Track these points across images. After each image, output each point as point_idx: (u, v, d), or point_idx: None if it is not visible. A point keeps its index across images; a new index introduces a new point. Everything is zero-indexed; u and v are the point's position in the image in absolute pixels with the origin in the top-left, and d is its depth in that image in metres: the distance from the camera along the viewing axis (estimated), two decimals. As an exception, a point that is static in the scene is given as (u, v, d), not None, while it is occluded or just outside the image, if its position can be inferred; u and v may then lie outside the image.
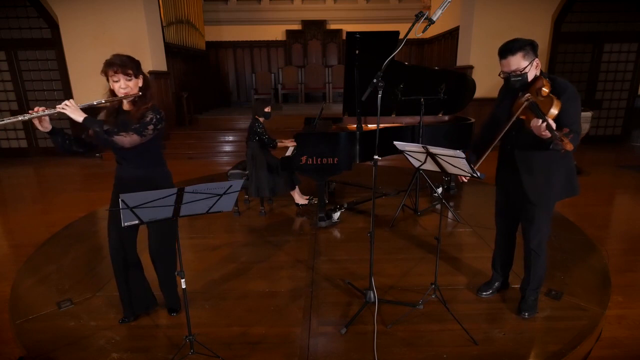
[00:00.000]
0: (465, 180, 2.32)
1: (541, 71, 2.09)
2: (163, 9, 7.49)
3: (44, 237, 3.76)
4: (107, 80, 2.06)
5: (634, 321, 2.47)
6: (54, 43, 7.04)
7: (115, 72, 2.00)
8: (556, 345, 2.14)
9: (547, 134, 1.81)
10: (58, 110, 1.91)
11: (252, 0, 10.33)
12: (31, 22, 7.05)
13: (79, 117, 1.92)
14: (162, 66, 7.37)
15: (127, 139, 2.01)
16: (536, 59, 2.04)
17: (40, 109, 1.91)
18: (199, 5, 9.39)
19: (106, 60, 2.03)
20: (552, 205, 2.25)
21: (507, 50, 2.04)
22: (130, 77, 2.04)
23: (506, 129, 2.06)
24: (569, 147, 1.74)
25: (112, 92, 2.09)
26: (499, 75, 2.13)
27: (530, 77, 2.05)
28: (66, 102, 1.92)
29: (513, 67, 2.04)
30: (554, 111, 1.87)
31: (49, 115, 1.93)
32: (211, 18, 10.11)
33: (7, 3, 6.89)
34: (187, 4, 8.62)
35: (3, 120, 1.86)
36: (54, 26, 6.94)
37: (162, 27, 7.46)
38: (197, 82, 9.34)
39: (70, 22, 6.84)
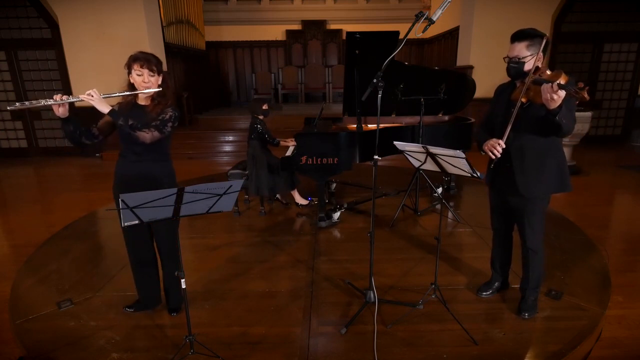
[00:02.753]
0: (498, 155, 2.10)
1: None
2: (163, 9, 7.49)
3: (44, 237, 3.76)
4: (129, 74, 2.13)
5: (634, 321, 2.47)
6: (54, 43, 7.04)
7: (141, 67, 2.08)
8: (556, 345, 2.14)
9: (560, 95, 1.78)
10: (82, 98, 1.93)
11: (252, 0, 10.33)
12: (31, 22, 7.05)
13: (105, 108, 1.96)
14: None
15: (148, 135, 2.06)
16: (540, 54, 2.06)
17: (64, 96, 1.92)
18: (199, 5, 9.39)
19: (132, 55, 2.11)
20: (545, 200, 2.25)
21: (516, 36, 2.09)
22: (154, 73, 2.12)
23: (514, 115, 2.04)
24: (587, 96, 1.72)
25: (132, 87, 2.14)
26: (504, 59, 2.16)
27: (527, 67, 2.07)
28: (90, 91, 1.93)
29: (515, 53, 2.08)
30: (562, 81, 1.83)
31: (72, 102, 1.94)
32: (211, 18, 10.11)
33: (7, 3, 6.89)
34: (187, 4, 8.62)
35: (25, 104, 1.87)
36: (54, 26, 6.94)
37: (162, 27, 7.46)
38: (197, 82, 9.33)
39: (70, 22, 6.84)
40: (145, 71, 2.09)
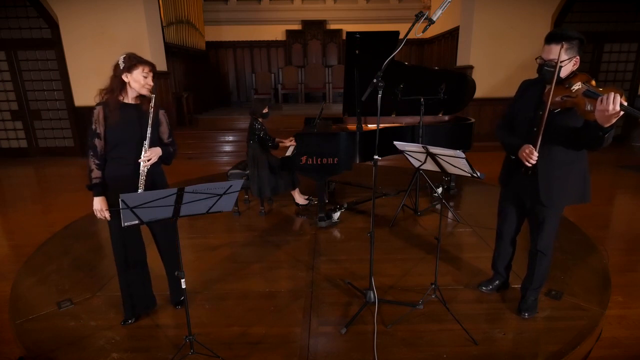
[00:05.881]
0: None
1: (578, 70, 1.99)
2: (163, 9, 7.48)
3: (44, 237, 3.76)
4: (127, 72, 2.11)
5: (634, 321, 2.47)
6: (54, 43, 7.04)
7: (150, 71, 2.17)
8: (556, 345, 2.15)
9: (615, 117, 1.69)
10: (148, 165, 2.15)
11: (252, 0, 10.33)
12: (31, 22, 7.05)
13: (160, 152, 2.22)
14: (162, 66, 7.36)
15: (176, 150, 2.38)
16: (577, 57, 1.95)
17: (143, 175, 2.14)
18: (199, 5, 9.39)
19: (136, 57, 2.14)
20: (563, 207, 2.23)
21: (553, 36, 1.94)
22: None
23: (545, 117, 1.92)
24: None
25: (122, 85, 2.14)
26: (536, 59, 2.03)
27: (564, 72, 1.95)
28: (146, 158, 2.13)
29: (552, 56, 1.93)
30: (624, 102, 1.70)
31: (147, 168, 2.16)
32: (211, 18, 10.10)
33: (7, 3, 6.89)
34: (187, 4, 8.62)
35: None
36: (54, 26, 6.94)
37: (162, 27, 7.46)
38: (197, 82, 9.33)
39: (70, 22, 6.84)
40: (151, 75, 2.18)
